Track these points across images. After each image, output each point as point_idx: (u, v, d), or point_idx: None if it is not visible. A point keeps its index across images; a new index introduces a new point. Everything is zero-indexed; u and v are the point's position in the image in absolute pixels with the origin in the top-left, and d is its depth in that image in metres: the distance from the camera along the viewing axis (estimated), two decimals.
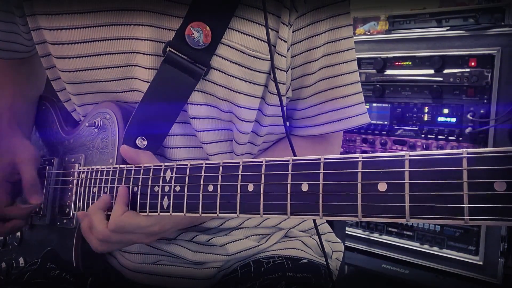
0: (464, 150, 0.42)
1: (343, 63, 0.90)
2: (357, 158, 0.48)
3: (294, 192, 0.54)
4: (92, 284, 0.89)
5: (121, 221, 0.73)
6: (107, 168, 0.81)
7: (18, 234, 1.03)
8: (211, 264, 0.90)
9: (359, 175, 0.48)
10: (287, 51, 0.85)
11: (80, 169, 0.89)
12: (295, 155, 0.80)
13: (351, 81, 0.92)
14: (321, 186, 0.51)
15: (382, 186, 0.46)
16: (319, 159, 0.52)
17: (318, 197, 0.51)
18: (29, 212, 0.95)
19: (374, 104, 2.07)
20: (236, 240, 0.91)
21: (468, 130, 1.82)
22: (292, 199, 0.54)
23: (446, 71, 1.87)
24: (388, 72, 2.03)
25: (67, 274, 0.89)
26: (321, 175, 0.51)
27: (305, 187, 0.53)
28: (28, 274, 0.89)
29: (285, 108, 0.92)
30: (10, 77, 1.06)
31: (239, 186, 0.59)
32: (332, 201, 0.50)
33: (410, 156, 0.45)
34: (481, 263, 1.84)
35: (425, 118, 1.95)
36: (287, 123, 0.97)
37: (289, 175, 0.54)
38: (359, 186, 0.48)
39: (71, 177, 0.91)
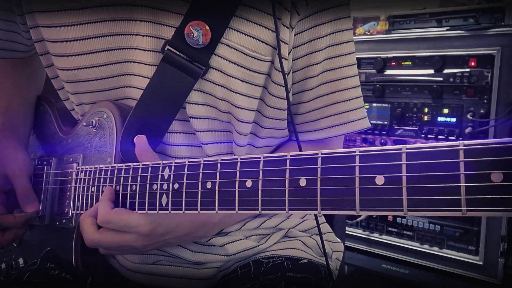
0: (461, 142, 0.42)
1: (345, 66, 0.90)
2: (354, 152, 0.48)
3: (292, 187, 0.53)
4: (91, 284, 0.88)
5: (109, 215, 0.73)
6: (105, 167, 0.81)
7: None
8: (211, 264, 0.90)
9: (357, 169, 0.48)
10: (289, 53, 0.85)
11: (79, 168, 0.89)
12: None
13: (353, 85, 0.92)
14: (319, 180, 0.51)
15: (379, 180, 0.46)
16: (317, 154, 0.52)
17: (316, 191, 0.51)
18: (25, 220, 0.95)
19: (374, 104, 2.07)
20: (236, 241, 0.91)
21: (468, 130, 1.82)
22: (290, 194, 0.53)
23: (446, 71, 1.87)
24: (388, 72, 2.03)
25: (67, 274, 0.89)
26: (319, 169, 0.51)
27: (303, 182, 0.52)
28: (28, 274, 0.89)
29: (288, 110, 0.91)
30: (9, 78, 1.05)
31: (237, 182, 0.59)
32: (330, 195, 0.50)
33: (407, 149, 0.45)
34: (481, 263, 1.84)
35: (425, 118, 1.95)
36: (287, 128, 0.97)
37: (287, 171, 0.54)
38: (357, 180, 0.48)
39: (70, 177, 0.90)
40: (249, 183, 0.58)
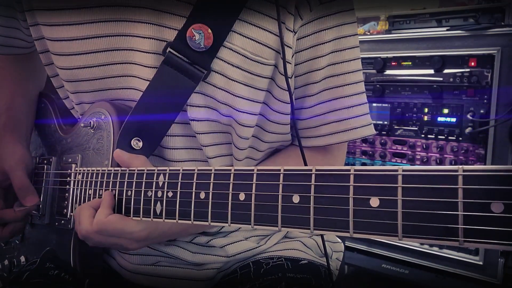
0: (460, 166, 0.40)
1: (348, 73, 0.89)
2: (349, 170, 0.46)
3: (285, 203, 0.52)
4: (89, 285, 0.88)
5: (104, 224, 0.73)
6: (102, 170, 0.81)
7: None
8: (211, 265, 0.90)
9: (351, 189, 0.46)
10: (292, 58, 0.84)
11: (77, 170, 0.88)
12: (306, 165, 0.78)
13: (356, 92, 0.90)
14: (312, 198, 0.50)
15: (374, 202, 0.45)
16: (311, 170, 0.50)
17: (309, 209, 0.49)
18: (25, 214, 0.95)
19: (374, 104, 2.06)
20: (236, 242, 0.91)
21: (468, 130, 1.81)
22: (283, 211, 0.52)
23: (446, 71, 1.86)
24: (388, 72, 2.02)
25: (66, 274, 0.89)
26: (312, 187, 0.50)
27: (296, 198, 0.51)
28: (27, 273, 0.89)
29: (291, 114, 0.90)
30: (11, 74, 1.05)
31: (230, 194, 0.58)
32: (324, 215, 0.48)
33: (403, 171, 0.43)
34: (481, 263, 1.84)
35: (425, 118, 1.94)
36: (290, 133, 0.96)
37: (280, 186, 0.53)
38: (351, 200, 0.46)
39: (68, 178, 0.90)
40: (242, 196, 0.57)
